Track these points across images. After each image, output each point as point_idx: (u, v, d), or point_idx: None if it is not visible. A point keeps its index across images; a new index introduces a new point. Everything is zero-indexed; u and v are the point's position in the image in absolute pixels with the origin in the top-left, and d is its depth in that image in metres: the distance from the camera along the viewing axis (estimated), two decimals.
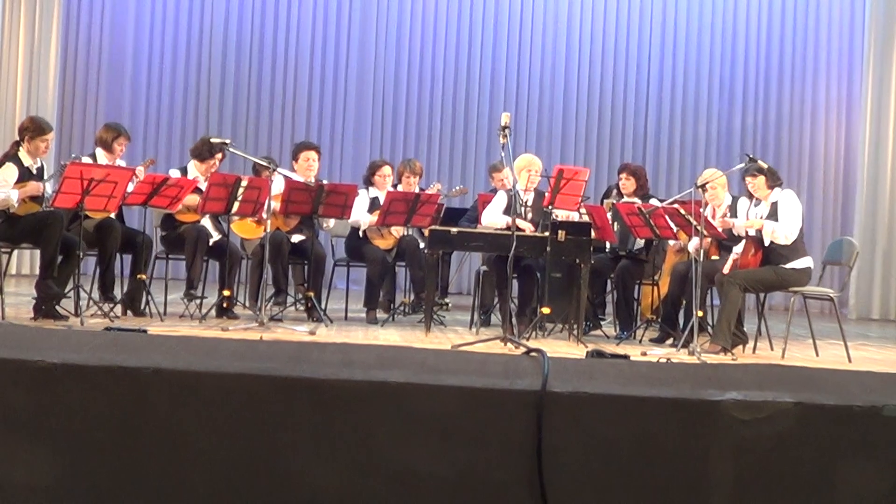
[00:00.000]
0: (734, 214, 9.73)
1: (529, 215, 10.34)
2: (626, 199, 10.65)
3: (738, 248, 9.47)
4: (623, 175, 10.89)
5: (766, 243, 9.20)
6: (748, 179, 9.46)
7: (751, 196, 9.58)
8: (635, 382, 3.07)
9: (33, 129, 9.38)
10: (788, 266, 9.20)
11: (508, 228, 9.58)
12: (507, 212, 10.37)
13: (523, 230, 9.95)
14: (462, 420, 3.01)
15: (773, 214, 9.23)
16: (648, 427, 2.99)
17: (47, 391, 3.03)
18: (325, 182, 10.63)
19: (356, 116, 16.81)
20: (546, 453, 2.97)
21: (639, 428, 2.99)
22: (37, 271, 9.88)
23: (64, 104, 16.09)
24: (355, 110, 16.81)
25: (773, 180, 9.42)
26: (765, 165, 9.43)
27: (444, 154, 16.87)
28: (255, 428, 3.02)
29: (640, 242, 10.33)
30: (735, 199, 9.94)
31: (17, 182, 9.08)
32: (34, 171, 9.32)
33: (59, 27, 15.56)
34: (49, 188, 9.29)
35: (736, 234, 9.52)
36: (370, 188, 11.13)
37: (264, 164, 10.44)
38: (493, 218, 10.51)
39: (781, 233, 9.10)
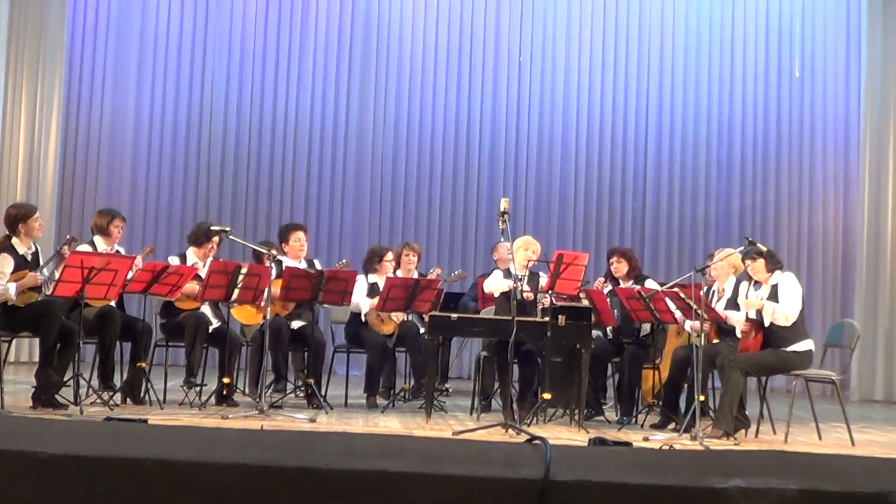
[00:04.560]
0: (735, 296, 9.73)
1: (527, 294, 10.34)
2: (621, 283, 10.65)
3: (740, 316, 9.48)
4: (613, 259, 10.90)
5: (767, 324, 9.20)
6: (748, 262, 9.48)
7: (750, 279, 9.58)
8: (639, 470, 3.05)
9: (21, 213, 9.43)
10: (790, 349, 9.19)
11: (511, 291, 9.59)
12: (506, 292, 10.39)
13: (524, 301, 9.94)
14: None
15: (773, 297, 9.25)
16: None
17: (48, 483, 3.01)
18: (316, 263, 10.70)
19: (354, 202, 16.86)
20: None
21: None
22: (35, 358, 9.87)
23: (63, 191, 16.15)
24: (354, 196, 16.87)
25: (773, 263, 9.44)
26: (764, 249, 9.46)
27: (444, 238, 16.91)
28: None
29: (647, 328, 10.32)
30: (737, 282, 9.95)
31: (13, 272, 9.10)
32: (29, 259, 9.34)
33: (59, 113, 15.65)
34: (46, 273, 9.30)
35: (729, 326, 9.54)
36: (370, 274, 11.14)
37: (263, 250, 10.47)
38: (495, 283, 10.51)
39: (782, 314, 9.11)
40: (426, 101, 17.10)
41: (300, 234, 11.08)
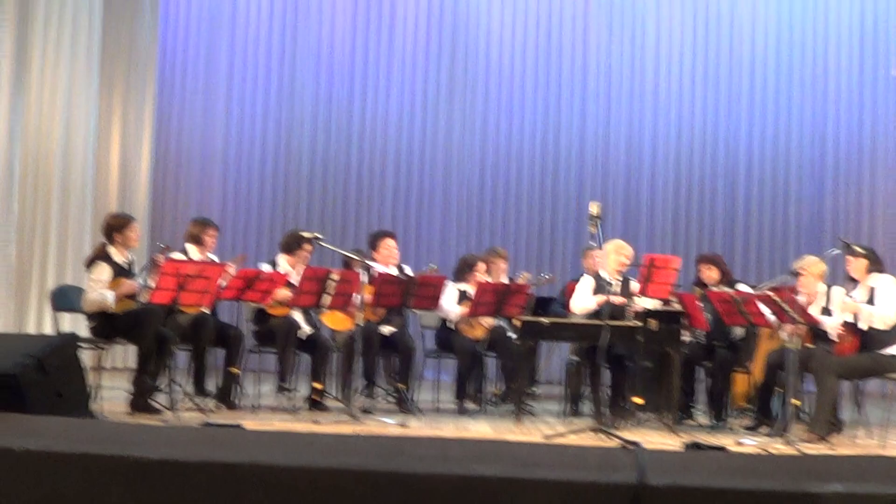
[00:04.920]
0: (828, 303, 9.62)
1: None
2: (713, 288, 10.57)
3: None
4: (702, 266, 10.80)
5: (864, 327, 9.08)
6: (848, 258, 9.36)
7: (848, 281, 9.46)
8: (734, 475, 3.03)
9: (118, 223, 9.60)
10: (886, 352, 9.07)
11: (601, 307, 9.56)
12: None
13: (615, 305, 9.88)
14: None
15: (870, 300, 9.12)
16: None
17: (146, 487, 3.05)
18: (406, 269, 10.74)
19: (443, 208, 16.84)
20: None
21: None
22: (129, 365, 9.99)
23: (155, 202, 16.29)
24: (442, 202, 16.84)
25: (875, 263, 9.31)
26: (860, 249, 9.34)
27: (532, 243, 16.83)
28: None
29: (741, 331, 10.23)
30: (829, 288, 9.82)
31: (111, 280, 9.24)
32: (126, 268, 9.48)
33: (151, 126, 15.78)
34: (141, 281, 9.44)
35: (823, 330, 9.44)
36: (460, 283, 11.12)
37: (356, 257, 10.52)
38: (584, 303, 10.46)
39: (880, 318, 8.99)
40: (514, 105, 17.06)
41: (390, 242, 11.14)
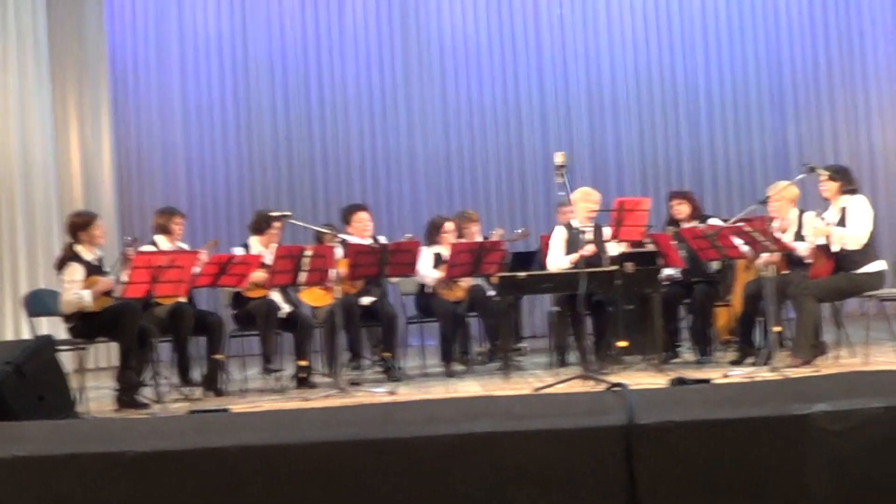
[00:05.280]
0: (800, 228, 9.67)
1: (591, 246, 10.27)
2: (685, 224, 10.61)
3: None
4: (674, 201, 10.88)
5: (835, 250, 9.12)
6: (821, 181, 9.39)
7: (818, 208, 9.49)
8: (721, 405, 3.04)
9: (82, 221, 9.55)
10: (861, 271, 9.12)
11: (574, 265, 9.58)
12: (568, 248, 10.38)
13: (589, 257, 9.88)
14: (553, 463, 2.99)
15: (842, 221, 9.16)
16: (740, 449, 2.96)
17: (139, 481, 3.04)
18: (381, 240, 10.75)
19: (409, 173, 16.83)
20: (639, 486, 2.94)
21: (730, 451, 2.97)
22: (111, 363, 9.97)
23: (122, 194, 16.21)
24: (408, 166, 16.83)
25: (847, 184, 9.34)
26: (826, 172, 9.37)
27: (503, 199, 16.86)
28: (347, 495, 3.01)
29: (716, 265, 10.28)
30: (801, 213, 9.87)
31: (85, 279, 9.20)
32: (97, 265, 9.44)
33: (109, 119, 15.70)
34: (113, 277, 9.40)
35: (798, 257, 9.49)
36: (433, 245, 11.13)
37: (327, 231, 10.52)
38: (557, 262, 10.48)
39: (851, 238, 9.03)
40: (471, 62, 17.03)
41: (363, 215, 11.12)
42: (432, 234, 11.26)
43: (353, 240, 10.72)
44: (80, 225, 9.52)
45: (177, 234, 10.33)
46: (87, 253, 9.42)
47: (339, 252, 10.16)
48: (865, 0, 16.92)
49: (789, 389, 3.13)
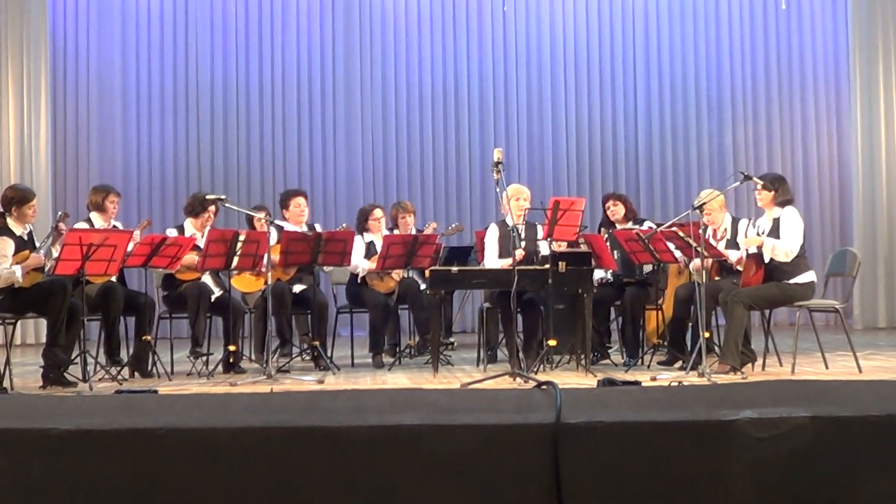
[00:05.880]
0: (734, 236, 9.75)
1: (523, 244, 10.28)
2: (619, 226, 10.67)
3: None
4: (609, 202, 10.94)
5: (767, 260, 9.20)
6: (757, 191, 9.47)
7: (751, 216, 9.57)
8: (649, 408, 3.06)
9: (18, 198, 9.38)
10: (791, 281, 9.20)
11: (511, 243, 9.59)
12: (500, 246, 10.40)
13: (520, 261, 9.91)
14: (478, 458, 3.00)
15: (774, 231, 9.24)
16: (665, 451, 2.99)
17: (63, 459, 3.02)
18: (317, 227, 10.71)
19: (346, 163, 16.81)
20: (564, 485, 2.96)
21: (656, 453, 2.99)
22: (40, 340, 9.87)
23: (56, 171, 16.09)
24: (345, 157, 16.82)
25: (781, 195, 9.41)
26: (761, 181, 9.44)
27: (439, 193, 16.87)
28: (272, 480, 3.01)
29: (648, 267, 10.33)
30: (735, 221, 9.96)
31: (14, 253, 9.09)
32: (27, 239, 9.32)
33: (47, 95, 15.59)
34: (43, 251, 9.28)
35: (731, 264, 9.58)
36: (365, 234, 11.12)
37: (257, 214, 10.51)
38: (491, 265, 10.47)
39: (782, 249, 9.11)
40: (412, 55, 17.04)
41: (300, 200, 11.08)
42: (361, 221, 11.25)
43: (287, 226, 10.69)
44: (16, 199, 9.37)
45: (111, 213, 10.23)
46: (17, 227, 9.29)
47: (273, 237, 10.11)
48: (806, 14, 17.11)
49: (717, 395, 3.15)
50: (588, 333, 9.71)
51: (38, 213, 9.67)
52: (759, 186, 9.43)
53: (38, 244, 9.39)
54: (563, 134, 17.03)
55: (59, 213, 10.16)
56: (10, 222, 9.28)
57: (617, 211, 10.79)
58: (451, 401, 3.16)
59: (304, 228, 10.81)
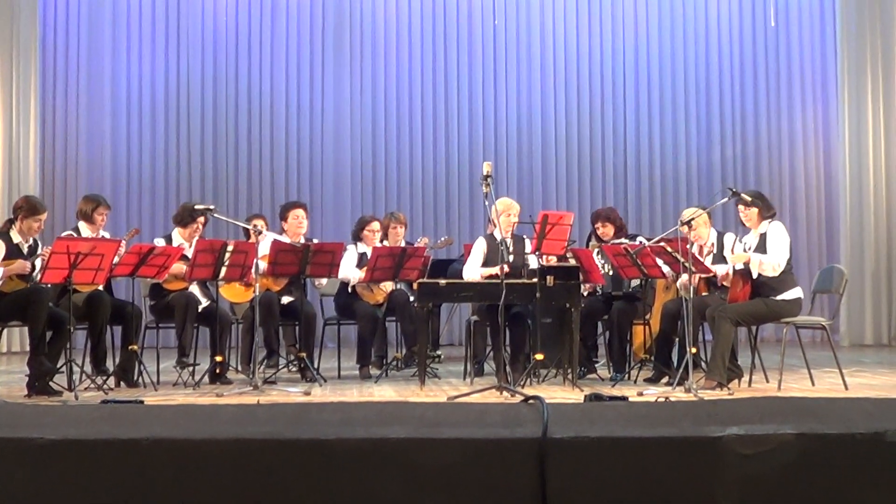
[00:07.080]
0: (720, 251, 9.76)
1: (511, 258, 10.27)
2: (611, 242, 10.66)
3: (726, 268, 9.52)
4: (598, 223, 10.90)
5: (755, 276, 9.21)
6: (741, 208, 9.48)
7: (737, 231, 9.59)
8: (636, 423, 3.06)
9: (27, 208, 9.39)
10: (778, 297, 9.20)
11: (500, 255, 9.58)
12: (487, 259, 10.41)
13: (505, 273, 9.91)
14: (465, 472, 2.99)
15: (761, 246, 9.25)
16: (652, 467, 2.99)
17: (48, 468, 3.01)
18: (313, 241, 10.69)
19: (335, 174, 16.83)
20: (551, 500, 2.95)
21: (642, 469, 2.99)
22: (25, 348, 9.83)
23: (45, 176, 16.09)
24: (334, 170, 16.83)
25: (767, 210, 9.43)
26: (749, 199, 9.45)
27: (428, 207, 16.89)
28: (258, 492, 3.00)
29: (636, 282, 10.33)
30: (721, 235, 9.98)
31: (4, 259, 9.07)
32: (24, 250, 9.31)
33: (36, 104, 15.59)
34: (38, 263, 9.26)
35: (719, 281, 9.60)
36: (358, 244, 11.13)
37: (248, 226, 10.50)
38: (470, 273, 10.48)
39: (769, 265, 9.12)
40: (402, 69, 17.07)
41: (299, 212, 11.05)
42: (358, 230, 11.27)
43: (276, 237, 10.68)
44: (23, 209, 9.37)
45: (99, 224, 10.19)
46: (17, 236, 9.29)
47: (265, 247, 10.09)
48: (795, 31, 17.17)
49: (703, 411, 3.15)
50: (575, 348, 9.69)
51: (40, 232, 9.68)
52: (745, 206, 9.43)
53: (39, 252, 9.38)
54: (553, 148, 17.07)
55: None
56: (13, 231, 9.29)
57: (607, 232, 10.75)
58: (437, 414, 3.16)
59: (302, 241, 10.76)
